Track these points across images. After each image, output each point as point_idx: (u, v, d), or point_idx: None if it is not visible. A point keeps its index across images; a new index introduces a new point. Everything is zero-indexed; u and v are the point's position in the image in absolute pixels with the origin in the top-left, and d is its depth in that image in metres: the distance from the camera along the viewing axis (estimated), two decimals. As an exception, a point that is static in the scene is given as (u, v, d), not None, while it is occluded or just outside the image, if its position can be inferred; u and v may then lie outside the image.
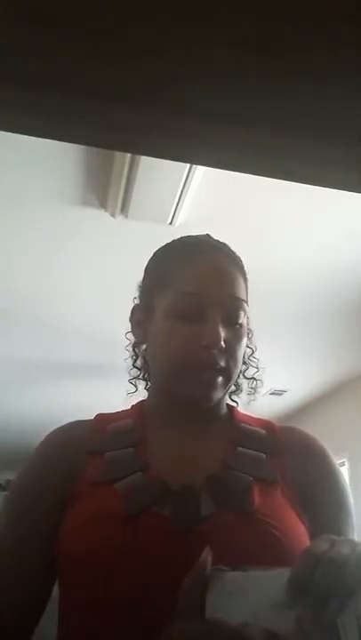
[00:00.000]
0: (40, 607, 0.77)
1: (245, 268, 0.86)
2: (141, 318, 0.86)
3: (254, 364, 0.92)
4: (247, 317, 0.90)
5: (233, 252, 0.86)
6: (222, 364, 0.77)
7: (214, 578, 0.54)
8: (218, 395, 0.79)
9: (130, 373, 0.92)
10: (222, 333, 0.77)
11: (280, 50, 0.66)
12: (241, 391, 0.93)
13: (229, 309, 0.79)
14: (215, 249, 0.85)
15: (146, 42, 0.65)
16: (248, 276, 0.86)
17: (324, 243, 2.75)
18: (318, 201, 2.40)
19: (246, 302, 0.83)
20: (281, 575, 0.52)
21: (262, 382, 0.93)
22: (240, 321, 0.80)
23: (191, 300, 0.78)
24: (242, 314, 0.81)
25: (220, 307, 0.78)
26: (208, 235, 0.88)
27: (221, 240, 0.88)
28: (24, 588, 0.75)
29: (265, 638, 0.48)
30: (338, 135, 0.73)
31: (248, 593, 0.53)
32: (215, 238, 0.88)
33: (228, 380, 0.80)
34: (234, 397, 0.92)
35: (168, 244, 0.89)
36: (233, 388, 0.91)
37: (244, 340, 0.82)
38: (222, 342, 0.76)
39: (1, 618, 0.74)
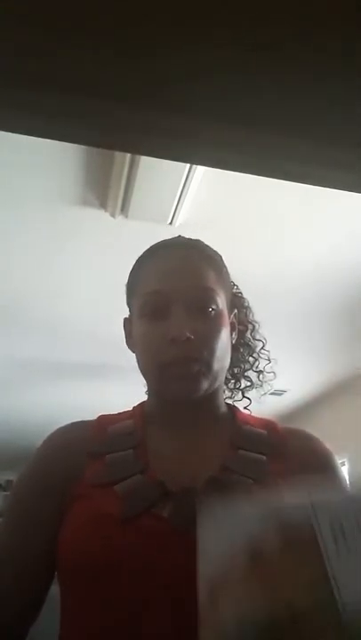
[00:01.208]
0: (37, 607, 0.77)
1: (219, 259, 0.86)
2: (129, 328, 0.87)
3: (265, 357, 0.91)
4: (246, 310, 0.89)
5: (201, 246, 0.86)
6: (195, 354, 0.77)
7: (202, 512, 0.57)
8: (201, 385, 0.78)
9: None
10: (187, 325, 0.76)
11: (280, 50, 0.66)
12: (253, 386, 0.92)
13: (194, 300, 0.79)
14: (177, 245, 0.85)
15: (146, 42, 0.65)
16: (249, 278, 0.86)
17: (323, 243, 2.75)
18: (318, 201, 2.40)
19: (216, 291, 0.81)
20: (269, 506, 0.56)
21: (274, 374, 0.92)
22: (210, 310, 0.79)
23: (155, 299, 0.79)
24: (211, 302, 0.80)
25: (182, 299, 0.78)
26: (179, 235, 0.89)
27: (220, 240, 0.88)
28: (23, 589, 0.75)
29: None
30: (338, 136, 0.73)
31: (237, 520, 0.55)
32: (185, 237, 0.88)
33: (208, 369, 0.78)
34: (246, 395, 0.92)
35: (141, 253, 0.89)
36: (245, 383, 0.90)
37: (222, 329, 0.81)
38: (187, 333, 0.76)
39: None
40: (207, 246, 0.87)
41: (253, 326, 0.91)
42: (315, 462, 0.81)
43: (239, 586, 0.52)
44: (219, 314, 0.81)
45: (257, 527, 0.54)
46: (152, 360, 0.79)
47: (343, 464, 4.65)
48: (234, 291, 0.91)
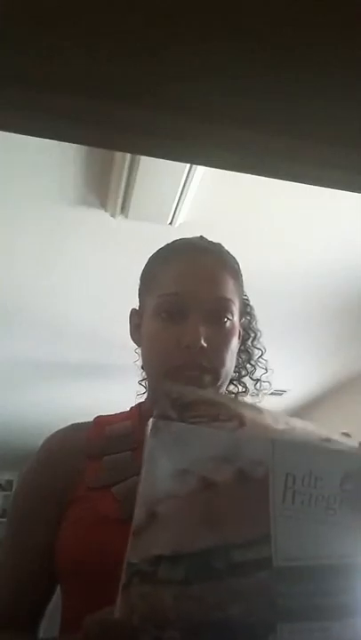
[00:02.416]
0: (41, 608, 0.78)
1: (238, 268, 0.86)
2: (137, 322, 0.86)
3: (263, 366, 0.92)
4: (250, 317, 0.89)
5: (222, 252, 0.86)
6: (205, 363, 0.77)
7: (158, 425, 0.54)
8: None
9: (142, 375, 0.93)
10: (203, 333, 0.76)
11: (280, 50, 0.66)
12: (247, 393, 0.92)
13: (212, 309, 0.79)
14: (200, 249, 0.85)
15: (146, 42, 0.65)
16: (243, 276, 0.86)
17: (324, 243, 2.75)
18: (318, 201, 2.40)
19: (233, 301, 0.82)
20: (228, 435, 0.54)
21: (270, 384, 0.93)
22: (225, 320, 0.80)
23: (173, 301, 0.79)
24: (227, 313, 0.80)
25: (201, 306, 0.78)
26: (201, 236, 0.88)
27: (220, 240, 0.88)
28: (27, 593, 0.76)
29: (202, 484, 0.50)
30: (338, 135, 0.73)
31: (191, 444, 0.53)
32: (208, 239, 0.87)
33: (215, 378, 0.79)
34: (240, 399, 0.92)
35: (160, 248, 0.89)
36: (240, 388, 0.90)
37: (233, 339, 0.81)
38: (202, 342, 0.76)
39: (4, 616, 0.74)
40: (228, 253, 0.87)
41: (255, 334, 0.91)
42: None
43: (181, 508, 0.51)
44: (232, 324, 0.81)
45: (213, 454, 0.53)
46: (162, 361, 0.78)
47: (343, 464, 4.65)
48: (243, 297, 0.91)
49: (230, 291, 0.82)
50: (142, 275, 0.88)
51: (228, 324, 0.80)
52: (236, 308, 0.82)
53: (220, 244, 0.87)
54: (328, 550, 0.51)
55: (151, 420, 0.54)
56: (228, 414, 0.55)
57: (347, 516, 0.53)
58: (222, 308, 0.80)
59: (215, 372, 0.78)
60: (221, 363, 0.79)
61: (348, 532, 0.52)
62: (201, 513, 0.51)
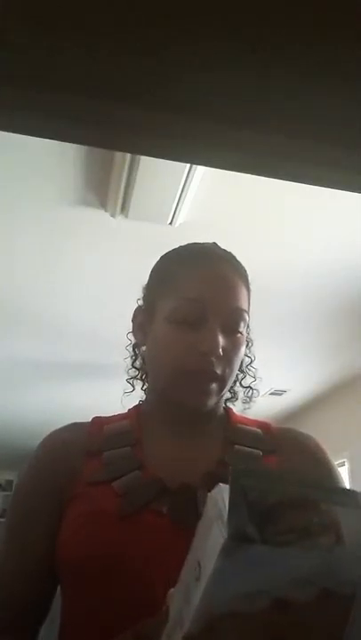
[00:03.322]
0: (45, 608, 0.78)
1: (248, 279, 0.86)
2: (143, 321, 0.86)
3: (252, 374, 0.92)
4: (248, 327, 0.90)
5: (238, 262, 0.86)
6: (219, 371, 0.77)
7: (232, 547, 0.44)
8: (212, 401, 0.80)
9: (128, 373, 0.92)
10: (221, 342, 0.77)
11: (280, 50, 0.66)
12: (237, 399, 0.93)
13: (230, 318, 0.79)
14: (220, 258, 0.85)
15: (146, 42, 0.65)
16: (250, 284, 0.86)
17: (324, 242, 2.75)
18: (318, 201, 2.40)
19: (247, 312, 0.83)
20: (320, 558, 0.45)
21: (258, 392, 0.93)
22: (240, 330, 0.81)
23: (193, 307, 0.78)
24: (242, 324, 0.81)
25: (220, 315, 0.78)
26: (215, 243, 0.88)
27: (220, 240, 0.88)
28: (29, 591, 0.76)
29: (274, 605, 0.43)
30: (338, 135, 0.73)
31: (271, 567, 0.45)
32: (222, 247, 0.88)
33: (222, 387, 0.80)
34: (229, 404, 0.92)
35: (175, 248, 0.88)
36: (229, 395, 0.91)
37: (242, 350, 0.82)
38: (220, 350, 0.76)
39: (6, 619, 0.74)
40: (240, 263, 0.87)
41: (248, 343, 0.91)
42: (310, 458, 0.82)
43: (248, 626, 0.44)
44: (243, 336, 0.82)
45: (297, 576, 0.45)
46: (174, 365, 0.78)
47: (343, 464, 4.65)
48: None
49: (245, 302, 0.83)
50: (157, 274, 0.88)
51: (239, 335, 0.81)
52: (247, 319, 0.83)
53: (232, 254, 0.88)
54: None
55: (224, 539, 0.43)
56: (322, 523, 0.45)
57: None
58: (239, 318, 0.81)
59: (224, 381, 0.79)
60: (231, 372, 0.80)
61: None
62: (270, 630, 0.45)
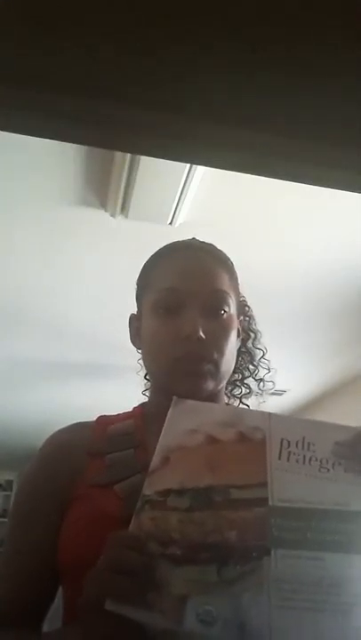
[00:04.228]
0: (45, 609, 0.78)
1: (231, 264, 0.87)
2: (137, 326, 0.87)
3: (265, 366, 0.92)
4: (249, 318, 0.90)
5: (216, 250, 0.88)
6: (206, 353, 0.78)
7: (177, 401, 0.69)
8: (208, 385, 0.79)
9: (145, 385, 0.94)
10: (201, 325, 0.77)
11: (280, 50, 0.66)
12: (252, 394, 0.93)
13: (208, 301, 0.80)
14: (194, 247, 0.86)
15: (146, 42, 0.65)
16: (242, 276, 0.87)
17: (324, 242, 2.75)
18: (318, 201, 2.40)
19: (229, 294, 0.83)
20: (232, 408, 0.71)
21: (273, 384, 0.93)
22: (222, 312, 0.81)
23: (170, 296, 0.80)
24: (223, 304, 0.81)
25: (198, 299, 0.79)
26: (193, 238, 0.90)
27: (220, 239, 0.88)
28: (30, 591, 0.76)
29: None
30: (338, 135, 0.73)
31: (202, 413, 0.67)
32: (199, 240, 0.89)
33: (216, 369, 0.80)
34: (244, 401, 0.92)
35: (155, 251, 0.90)
36: (244, 390, 0.91)
37: (231, 331, 0.82)
38: (201, 333, 0.77)
39: (8, 617, 0.74)
40: (221, 251, 0.88)
41: (255, 335, 0.91)
42: None
43: (190, 456, 0.62)
44: (229, 316, 0.82)
45: (218, 419, 0.66)
46: (163, 355, 0.79)
47: (343, 464, 4.64)
48: (240, 298, 0.92)
49: (225, 284, 0.83)
50: (138, 279, 0.90)
51: (225, 316, 0.81)
52: (232, 301, 0.83)
53: (212, 244, 0.88)
54: (322, 498, 0.58)
55: (174, 397, 0.69)
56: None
57: (340, 474, 0.60)
58: (219, 300, 0.81)
59: (215, 362, 0.79)
60: (221, 353, 0.80)
61: (342, 485, 0.59)
62: (206, 460, 0.61)
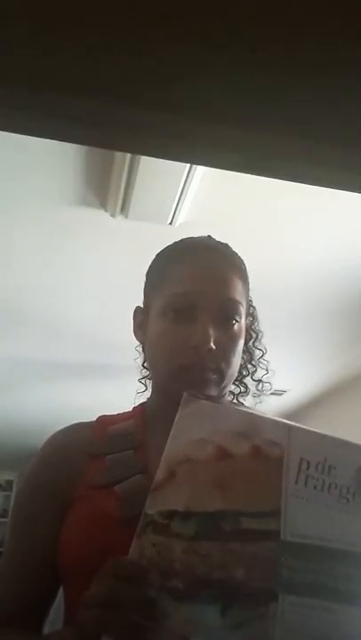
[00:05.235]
0: (45, 609, 0.78)
1: (245, 269, 0.86)
2: (142, 319, 0.86)
3: (264, 367, 0.92)
4: (253, 318, 0.89)
5: (232, 253, 0.86)
6: (213, 364, 0.77)
7: (189, 400, 0.61)
8: (211, 393, 0.79)
9: (141, 373, 0.92)
10: (212, 334, 0.76)
11: (280, 50, 0.66)
12: (248, 393, 0.92)
13: (221, 310, 0.79)
14: (210, 249, 0.84)
15: (146, 42, 0.65)
16: (249, 277, 0.86)
17: (324, 242, 2.75)
18: (318, 201, 2.40)
19: (242, 303, 0.82)
20: (249, 414, 0.59)
21: (271, 384, 0.93)
22: (233, 322, 0.80)
23: (182, 301, 0.78)
24: (236, 315, 0.80)
25: (211, 308, 0.78)
26: (209, 236, 0.88)
27: (222, 240, 0.88)
28: (31, 591, 0.76)
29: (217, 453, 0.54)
30: (338, 135, 0.73)
31: (214, 418, 0.59)
32: (215, 239, 0.87)
33: (221, 379, 0.79)
34: (240, 399, 0.92)
35: (168, 245, 0.88)
36: (241, 389, 0.90)
37: (239, 342, 0.81)
38: (212, 343, 0.76)
39: (8, 618, 0.74)
40: (236, 254, 0.86)
41: (257, 335, 0.91)
42: None
43: (198, 471, 0.56)
44: (239, 327, 0.81)
45: (232, 428, 0.58)
46: (169, 360, 0.78)
47: (343, 464, 4.65)
48: (248, 299, 0.91)
49: (239, 293, 0.82)
50: (149, 272, 0.88)
51: (235, 326, 0.80)
52: (243, 311, 0.82)
53: (227, 245, 0.87)
54: (338, 535, 0.53)
55: (184, 394, 0.61)
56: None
57: (360, 507, 0.54)
58: (231, 309, 0.80)
59: (221, 373, 0.78)
60: (228, 365, 0.79)
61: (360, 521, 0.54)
62: (215, 478, 0.55)
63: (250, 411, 0.60)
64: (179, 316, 0.78)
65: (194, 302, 0.78)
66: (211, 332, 0.76)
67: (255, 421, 0.58)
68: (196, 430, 0.58)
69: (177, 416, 0.60)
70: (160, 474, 0.57)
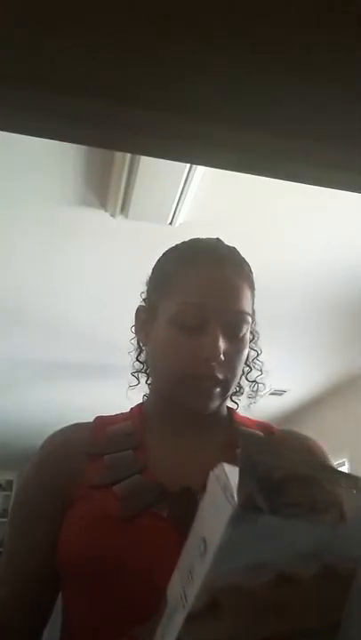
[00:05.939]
0: (46, 610, 0.78)
1: (252, 275, 0.85)
2: (145, 319, 0.85)
3: (258, 367, 0.92)
4: (254, 323, 0.89)
5: (241, 260, 0.85)
6: (221, 376, 0.77)
7: (242, 516, 0.44)
8: (215, 404, 0.80)
9: (133, 366, 0.92)
10: (222, 347, 0.76)
11: (280, 50, 0.66)
12: (242, 393, 0.92)
13: (232, 322, 0.79)
14: (222, 257, 0.83)
15: (146, 42, 0.65)
16: (255, 284, 0.86)
17: (324, 242, 2.75)
18: (318, 201, 2.40)
19: (250, 315, 0.82)
20: (325, 533, 0.46)
21: (265, 385, 0.93)
22: (242, 334, 0.80)
23: (193, 311, 0.78)
24: (244, 327, 0.80)
25: (222, 319, 0.78)
26: (218, 239, 0.87)
27: (222, 240, 0.87)
28: (32, 592, 0.76)
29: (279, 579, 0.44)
30: (338, 135, 0.73)
31: (279, 538, 0.45)
32: (225, 244, 0.86)
33: (225, 390, 0.80)
34: (235, 399, 0.92)
35: (177, 245, 0.87)
36: (235, 389, 0.90)
37: (245, 352, 0.82)
38: (222, 355, 0.76)
39: (9, 619, 0.74)
40: (244, 259, 0.86)
41: (254, 336, 0.91)
42: (312, 460, 0.81)
43: (251, 601, 0.45)
44: (246, 338, 0.81)
45: (302, 550, 0.45)
46: (175, 369, 0.78)
47: (343, 464, 4.65)
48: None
49: (248, 303, 0.82)
50: (156, 272, 0.87)
51: (242, 337, 0.80)
52: (250, 321, 0.82)
53: (236, 249, 0.86)
54: None
55: (234, 508, 0.44)
56: (326, 501, 0.45)
57: None
58: (241, 322, 0.80)
59: (227, 384, 0.79)
60: (234, 376, 0.79)
61: None
62: (271, 606, 0.45)
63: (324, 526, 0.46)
64: (189, 325, 0.77)
65: (205, 313, 0.77)
66: (221, 344, 0.76)
67: (333, 540, 0.45)
68: (252, 553, 0.45)
69: (223, 534, 0.44)
70: (199, 602, 0.45)
